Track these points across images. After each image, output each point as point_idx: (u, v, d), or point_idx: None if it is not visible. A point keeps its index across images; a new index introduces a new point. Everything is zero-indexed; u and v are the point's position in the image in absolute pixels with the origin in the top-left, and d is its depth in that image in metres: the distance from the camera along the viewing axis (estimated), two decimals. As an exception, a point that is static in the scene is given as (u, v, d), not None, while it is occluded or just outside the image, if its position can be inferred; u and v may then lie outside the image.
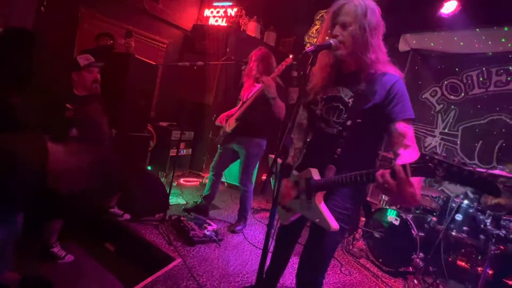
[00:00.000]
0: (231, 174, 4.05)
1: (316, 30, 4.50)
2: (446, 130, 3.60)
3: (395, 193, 0.86)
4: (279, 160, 1.12)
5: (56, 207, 1.61)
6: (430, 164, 0.76)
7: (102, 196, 2.33)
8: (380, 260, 2.59)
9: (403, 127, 1.05)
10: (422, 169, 0.79)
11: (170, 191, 2.66)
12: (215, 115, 3.01)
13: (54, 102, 1.80)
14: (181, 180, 4.04)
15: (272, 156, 1.56)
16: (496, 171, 2.20)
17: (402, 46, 3.99)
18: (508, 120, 3.14)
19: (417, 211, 2.81)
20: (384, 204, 3.06)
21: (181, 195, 3.39)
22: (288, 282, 2.06)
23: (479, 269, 2.23)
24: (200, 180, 4.16)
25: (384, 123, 1.10)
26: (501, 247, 2.14)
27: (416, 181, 0.86)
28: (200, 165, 4.49)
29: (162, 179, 3.51)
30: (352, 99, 1.15)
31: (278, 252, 1.63)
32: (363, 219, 3.17)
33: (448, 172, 0.73)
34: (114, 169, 1.89)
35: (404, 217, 2.52)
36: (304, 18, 4.63)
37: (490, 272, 2.33)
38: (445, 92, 3.63)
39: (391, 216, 2.63)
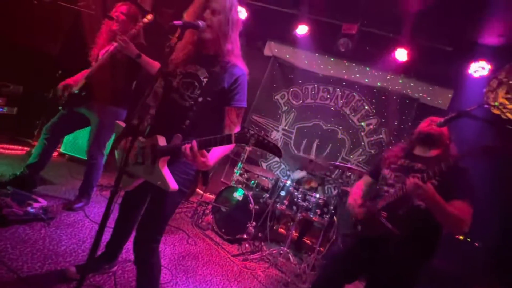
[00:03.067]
0: (75, 145, 3.45)
1: (196, 10, 4.46)
2: (286, 127, 4.53)
3: (191, 161, 1.15)
4: (122, 124, 1.13)
5: None
6: (247, 134, 1.06)
7: None
8: (223, 230, 2.99)
9: (234, 115, 1.35)
10: (242, 136, 1.07)
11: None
12: (60, 71, 2.45)
13: None
14: (-5, 147, 3.06)
15: (120, 123, 1.51)
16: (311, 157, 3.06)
17: (267, 51, 4.65)
18: (323, 126, 4.33)
19: (257, 190, 3.42)
20: (233, 184, 3.52)
21: (-8, 165, 2.57)
22: (132, 256, 2.04)
23: (290, 232, 3.01)
24: (28, 149, 3.29)
25: (225, 104, 1.34)
26: (303, 214, 2.99)
27: (213, 154, 1.23)
28: (30, 131, 3.53)
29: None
30: (206, 80, 1.32)
31: (121, 220, 1.61)
32: (207, 195, 3.55)
33: (257, 140, 1.05)
34: None
35: (246, 193, 3.02)
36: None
37: (295, 233, 3.20)
38: (290, 97, 4.55)
39: (237, 194, 3.08)
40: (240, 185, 3.27)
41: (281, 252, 2.91)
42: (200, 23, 1.22)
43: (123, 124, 1.49)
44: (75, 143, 3.45)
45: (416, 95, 3.98)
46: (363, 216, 1.45)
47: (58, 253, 1.78)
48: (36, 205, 2.04)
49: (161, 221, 1.36)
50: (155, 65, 2.20)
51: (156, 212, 1.34)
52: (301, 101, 4.49)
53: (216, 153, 1.25)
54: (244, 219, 2.95)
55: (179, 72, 1.35)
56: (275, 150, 1.05)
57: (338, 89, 4.33)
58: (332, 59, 4.35)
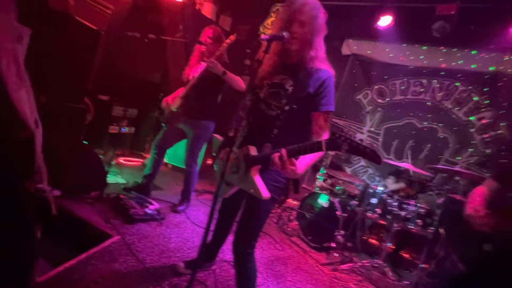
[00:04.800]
0: (176, 156, 3.99)
1: (271, 22, 4.62)
2: (372, 129, 4.16)
3: (280, 169, 1.13)
4: (219, 137, 1.22)
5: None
6: (338, 140, 0.98)
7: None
8: (309, 237, 2.93)
9: (322, 120, 1.29)
10: (333, 143, 1.00)
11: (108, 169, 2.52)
12: (162, 94, 2.90)
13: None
14: (121, 159, 3.82)
15: (218, 136, 1.65)
16: (403, 164, 2.71)
17: (345, 50, 4.41)
18: (417, 124, 3.80)
19: (343, 196, 3.24)
20: (317, 190, 3.43)
21: (120, 174, 3.22)
22: (228, 256, 2.20)
23: (384, 244, 2.72)
24: (142, 161, 3.99)
25: (312, 110, 1.31)
26: (400, 225, 2.66)
27: (302, 162, 1.18)
28: (143, 145, 4.29)
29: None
30: (291, 88, 1.33)
31: (220, 224, 1.77)
32: (290, 200, 3.54)
33: (350, 146, 0.96)
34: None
35: (332, 200, 2.89)
36: (260, 8, 4.71)
37: (391, 246, 2.87)
38: (374, 96, 4.18)
39: (322, 200, 2.98)
40: (324, 191, 3.16)
41: (375, 265, 2.65)
42: (285, 34, 1.26)
43: (219, 137, 1.64)
44: (176, 154, 4.00)
45: (552, 75, 3.09)
46: (493, 232, 1.17)
47: (170, 249, 2.07)
48: (151, 207, 2.45)
49: (254, 227, 1.43)
50: (238, 80, 2.41)
51: (250, 219, 1.42)
52: (388, 99, 4.07)
53: (305, 161, 1.22)
54: (331, 227, 2.83)
55: (265, 83, 1.41)
56: (372, 156, 0.93)
57: (434, 81, 3.75)
58: (424, 48, 3.81)
